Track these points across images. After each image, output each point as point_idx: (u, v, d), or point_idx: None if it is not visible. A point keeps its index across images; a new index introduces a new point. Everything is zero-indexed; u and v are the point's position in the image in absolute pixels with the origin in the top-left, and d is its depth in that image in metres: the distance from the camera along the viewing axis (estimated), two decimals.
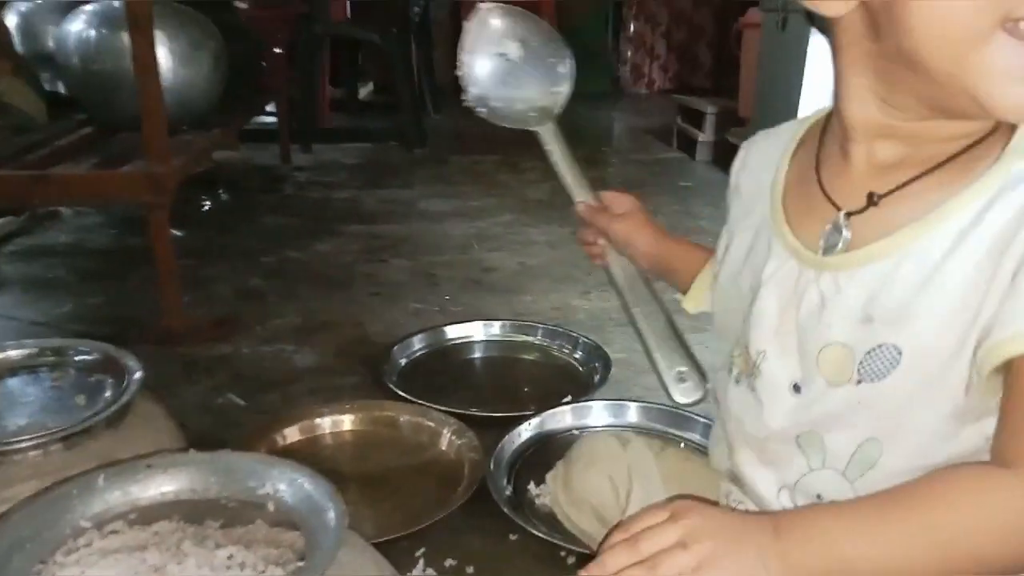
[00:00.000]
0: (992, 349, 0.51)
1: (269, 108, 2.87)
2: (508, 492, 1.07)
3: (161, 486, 0.72)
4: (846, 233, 0.57)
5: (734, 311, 0.66)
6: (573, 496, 0.83)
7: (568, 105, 0.79)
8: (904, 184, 0.55)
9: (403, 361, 1.44)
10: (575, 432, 1.21)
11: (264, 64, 2.69)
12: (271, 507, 0.72)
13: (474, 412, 1.24)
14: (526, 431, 1.19)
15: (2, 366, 0.97)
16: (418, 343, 1.49)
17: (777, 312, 0.62)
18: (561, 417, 1.23)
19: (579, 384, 1.37)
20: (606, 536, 0.57)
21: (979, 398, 0.54)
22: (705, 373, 0.77)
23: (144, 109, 1.42)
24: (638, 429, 1.19)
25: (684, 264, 0.79)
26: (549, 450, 1.17)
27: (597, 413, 1.23)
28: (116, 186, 1.48)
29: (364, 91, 4.41)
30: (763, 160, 0.68)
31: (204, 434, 1.21)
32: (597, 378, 1.36)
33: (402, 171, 2.84)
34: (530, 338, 1.53)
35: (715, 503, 0.60)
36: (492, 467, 1.10)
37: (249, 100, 2.35)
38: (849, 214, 0.58)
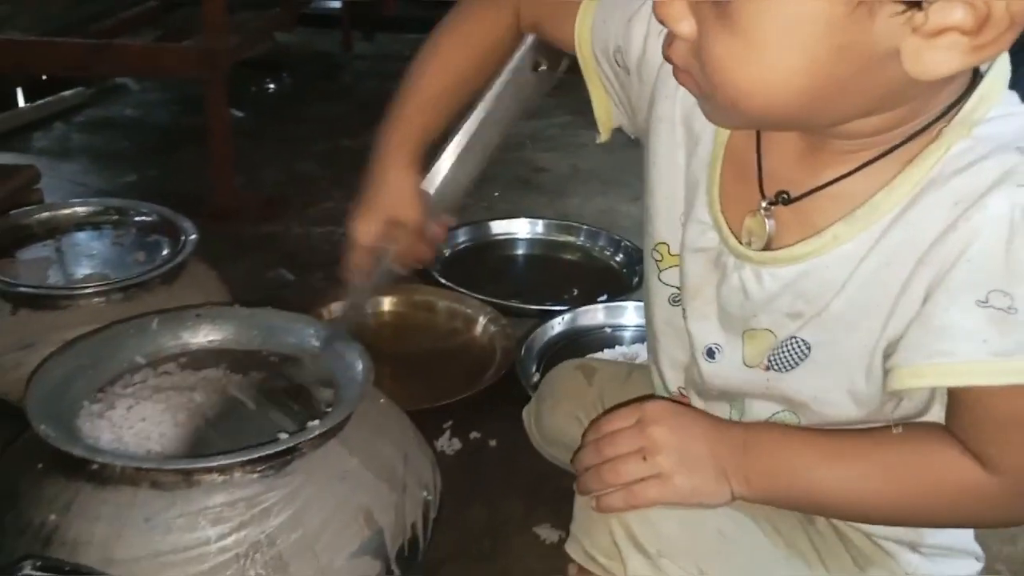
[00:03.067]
0: (894, 373, 0.51)
1: None
2: (535, 379, 1.11)
3: (208, 335, 0.78)
4: (769, 226, 0.54)
5: (661, 201, 0.63)
6: (545, 434, 0.85)
7: None
8: (832, 181, 0.52)
9: (447, 252, 1.48)
10: (607, 330, 1.24)
11: None
12: (307, 361, 0.77)
13: (510, 303, 1.27)
14: (559, 325, 1.22)
15: (70, 220, 1.03)
16: (462, 235, 1.52)
17: (697, 277, 0.59)
18: (594, 314, 1.25)
19: (617, 286, 1.38)
20: (586, 429, 0.60)
21: (885, 391, 0.53)
22: None
23: None
24: None
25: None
26: (579, 345, 1.20)
27: (630, 313, 1.25)
28: (172, 60, 1.50)
29: None
30: None
31: (250, 304, 1.27)
32: (635, 280, 1.38)
33: None
34: (572, 238, 1.54)
35: (692, 408, 0.60)
36: (523, 355, 1.14)
37: None
38: (772, 203, 0.54)
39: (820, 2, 0.42)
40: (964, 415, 0.51)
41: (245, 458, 0.60)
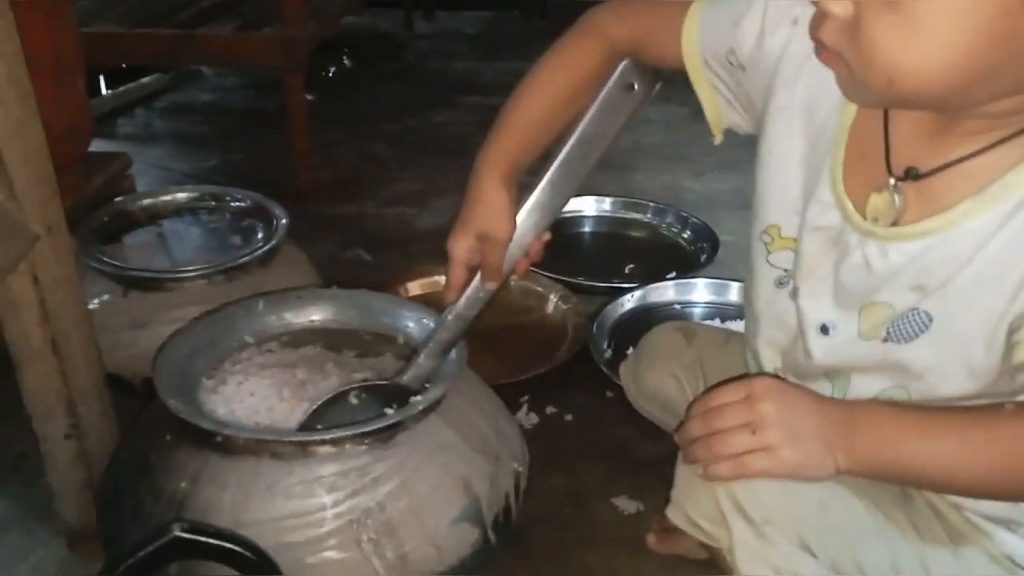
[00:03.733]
0: (1020, 347, 0.52)
1: None
2: (608, 355, 1.15)
3: (310, 315, 0.84)
4: (898, 202, 0.56)
5: (775, 186, 0.64)
6: (641, 390, 0.88)
7: None
8: (963, 159, 0.53)
9: None
10: (676, 307, 1.26)
11: None
12: (401, 341, 0.82)
13: (581, 281, 1.30)
14: (629, 302, 1.25)
15: (170, 206, 1.10)
16: None
17: (812, 256, 0.61)
18: (664, 291, 1.28)
19: (685, 262, 1.40)
20: (691, 403, 0.61)
21: (1006, 366, 0.54)
22: None
23: None
24: (736, 308, 1.23)
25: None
26: (650, 321, 1.21)
27: (700, 290, 1.27)
28: (254, 49, 1.56)
29: None
30: None
31: (334, 283, 1.33)
32: (704, 257, 1.39)
33: (522, 42, 2.82)
34: (639, 215, 1.56)
35: (798, 385, 0.61)
36: (595, 331, 1.17)
37: None
38: (901, 179, 0.55)
39: None
40: None
41: (356, 431, 0.65)
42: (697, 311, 1.25)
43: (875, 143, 0.58)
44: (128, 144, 1.86)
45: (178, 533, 0.53)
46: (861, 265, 0.58)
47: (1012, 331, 0.53)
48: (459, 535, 0.67)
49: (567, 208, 1.53)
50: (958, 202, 0.53)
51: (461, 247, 0.72)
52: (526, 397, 1.07)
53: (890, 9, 0.46)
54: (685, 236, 1.49)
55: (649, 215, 1.55)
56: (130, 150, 1.41)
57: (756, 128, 0.67)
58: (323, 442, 0.65)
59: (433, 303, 1.27)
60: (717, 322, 1.20)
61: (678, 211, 1.53)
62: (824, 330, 0.62)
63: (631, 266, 1.38)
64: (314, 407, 0.70)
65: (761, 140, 0.66)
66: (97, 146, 1.32)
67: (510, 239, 0.70)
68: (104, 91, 2.08)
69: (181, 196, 1.10)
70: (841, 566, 0.59)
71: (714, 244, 1.40)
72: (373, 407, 0.71)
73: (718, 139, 0.72)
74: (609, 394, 1.08)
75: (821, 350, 0.62)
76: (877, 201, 0.57)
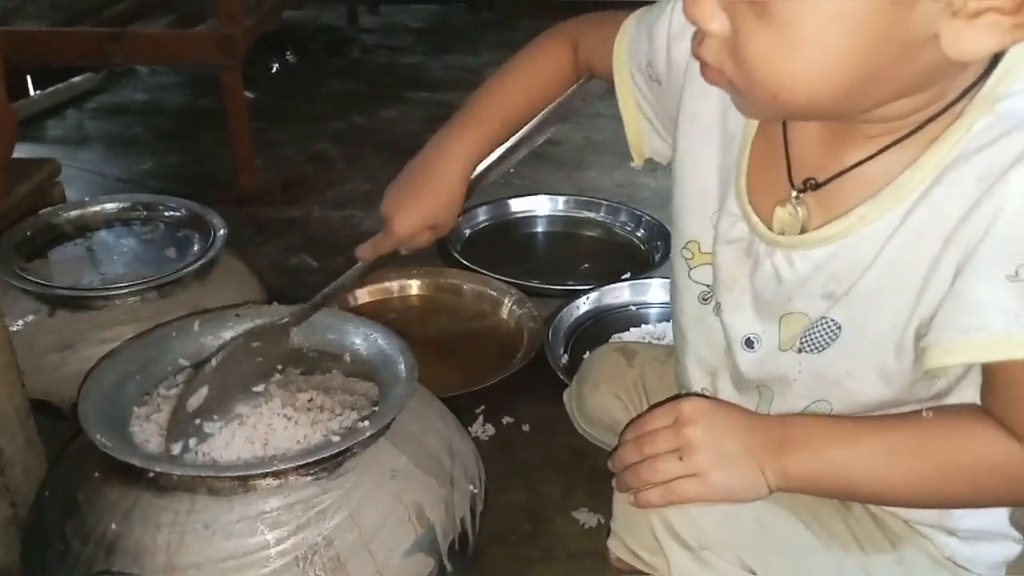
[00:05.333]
0: (929, 352, 0.51)
1: None
2: (564, 360, 1.12)
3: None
4: (800, 214, 0.55)
5: (692, 199, 0.64)
6: (587, 415, 0.87)
7: None
8: (857, 164, 0.53)
9: (467, 231, 1.48)
10: (632, 308, 1.24)
11: None
12: (347, 358, 0.78)
13: (535, 284, 1.27)
14: (584, 304, 1.23)
15: (98, 218, 1.04)
16: (483, 215, 1.52)
17: (729, 269, 0.61)
18: (619, 293, 1.26)
19: (639, 262, 1.39)
20: (624, 429, 0.61)
21: (919, 372, 0.54)
22: None
23: None
24: None
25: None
26: (606, 324, 1.20)
27: (655, 290, 1.25)
28: (189, 46, 1.49)
29: None
30: None
31: (278, 292, 1.28)
32: (658, 256, 1.38)
33: (469, 36, 2.78)
34: (593, 214, 1.54)
35: (728, 404, 0.61)
36: (550, 336, 1.14)
37: None
38: (802, 190, 0.55)
39: None
40: (999, 391, 0.52)
41: (300, 462, 0.61)
42: (653, 312, 1.24)
43: (777, 153, 0.57)
44: (58, 147, 1.78)
45: None
46: (772, 275, 0.57)
47: (919, 336, 0.52)
48: (412, 567, 0.63)
49: (519, 208, 1.55)
50: (855, 207, 0.53)
51: (408, 229, 0.73)
52: (481, 408, 1.04)
53: (765, 23, 0.45)
54: (639, 235, 1.48)
55: (603, 214, 1.53)
56: (60, 154, 1.34)
57: (668, 153, 0.67)
58: (264, 475, 0.61)
59: (382, 313, 1.26)
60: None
61: (632, 209, 1.51)
62: (749, 344, 0.61)
63: (585, 266, 1.36)
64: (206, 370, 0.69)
65: (675, 154, 0.64)
66: (24, 151, 1.26)
67: (450, 228, 0.73)
68: (32, 92, 1.98)
69: (111, 207, 1.04)
70: None
71: (668, 243, 1.38)
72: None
73: (638, 163, 0.72)
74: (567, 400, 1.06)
75: (748, 364, 0.61)
76: (781, 213, 0.56)
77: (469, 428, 1.01)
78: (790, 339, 0.58)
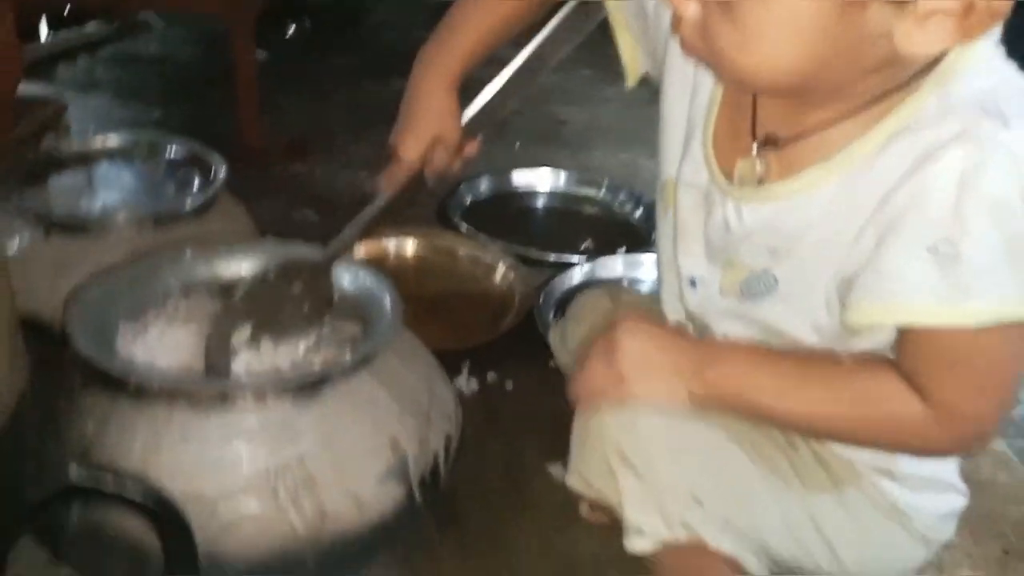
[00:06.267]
0: (848, 310, 0.56)
1: None
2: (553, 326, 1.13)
3: (242, 267, 0.79)
4: (759, 167, 0.59)
5: (668, 141, 0.67)
6: (569, 349, 0.89)
7: None
8: (816, 129, 0.56)
9: (468, 199, 1.49)
10: (624, 281, 1.25)
11: None
12: (337, 297, 0.79)
13: (530, 253, 1.28)
14: (577, 275, 1.23)
15: (101, 151, 1.04)
16: (484, 184, 1.52)
17: (686, 212, 0.64)
18: (612, 266, 1.26)
19: (636, 239, 1.39)
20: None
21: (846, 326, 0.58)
22: None
23: None
24: None
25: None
26: None
27: (648, 265, 1.26)
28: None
29: None
30: None
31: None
32: (655, 235, 1.38)
33: None
34: (593, 192, 1.54)
35: (664, 324, 0.67)
36: (541, 301, 1.15)
37: None
38: (763, 144, 0.58)
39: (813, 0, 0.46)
40: (909, 353, 0.55)
41: (279, 383, 0.62)
42: (645, 286, 1.24)
43: (745, 109, 0.60)
44: (68, 91, 1.77)
45: (74, 480, 0.50)
46: (722, 224, 0.61)
47: (841, 294, 0.56)
48: (383, 492, 0.64)
49: (520, 182, 1.55)
50: (806, 168, 0.56)
51: (414, 152, 0.75)
52: (467, 363, 1.05)
53: (727, 16, 0.49)
54: (636, 215, 1.48)
55: (603, 192, 1.54)
56: (70, 97, 1.34)
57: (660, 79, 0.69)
58: (244, 391, 0.62)
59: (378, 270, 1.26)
60: None
61: (631, 189, 1.52)
62: (692, 283, 0.65)
63: (585, 243, 1.37)
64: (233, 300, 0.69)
65: (661, 94, 0.68)
66: (33, 91, 1.26)
67: (458, 142, 0.73)
68: (44, 35, 1.99)
69: (113, 140, 1.05)
70: (736, 524, 0.61)
71: None
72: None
73: (631, 82, 0.73)
74: (552, 364, 1.06)
75: (693, 303, 0.66)
76: (742, 165, 0.59)
77: (454, 381, 1.02)
78: (731, 285, 0.62)
